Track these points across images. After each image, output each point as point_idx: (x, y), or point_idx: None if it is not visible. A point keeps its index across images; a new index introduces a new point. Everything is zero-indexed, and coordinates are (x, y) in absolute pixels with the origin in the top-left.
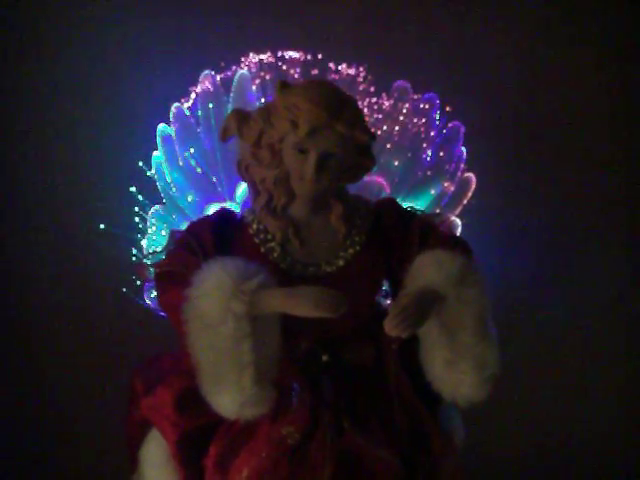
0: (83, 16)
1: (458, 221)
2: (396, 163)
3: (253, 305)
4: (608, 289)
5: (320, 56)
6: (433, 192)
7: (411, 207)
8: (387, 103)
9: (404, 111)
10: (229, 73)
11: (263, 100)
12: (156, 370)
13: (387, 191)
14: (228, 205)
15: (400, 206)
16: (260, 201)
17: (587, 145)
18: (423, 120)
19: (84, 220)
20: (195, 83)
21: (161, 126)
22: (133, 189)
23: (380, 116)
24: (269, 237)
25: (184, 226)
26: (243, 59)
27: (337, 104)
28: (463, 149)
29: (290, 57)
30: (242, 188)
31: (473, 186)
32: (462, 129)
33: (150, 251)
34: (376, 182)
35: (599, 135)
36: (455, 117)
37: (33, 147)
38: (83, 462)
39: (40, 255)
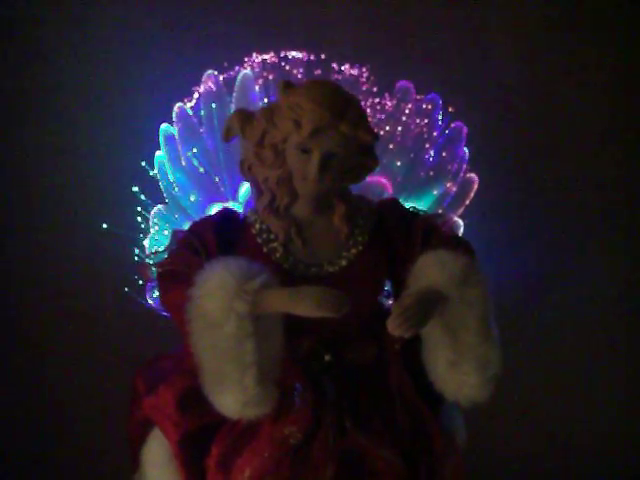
0: (84, 15)
1: (460, 221)
2: (398, 163)
3: (256, 305)
4: (609, 289)
5: (323, 56)
6: (435, 192)
7: (413, 207)
8: (390, 103)
9: (407, 111)
10: (232, 73)
11: (266, 100)
12: (158, 370)
13: (389, 191)
14: (231, 205)
15: (403, 206)
16: (263, 201)
17: (589, 145)
18: (426, 120)
19: (86, 220)
20: (198, 83)
21: (164, 126)
22: (135, 189)
23: (383, 116)
24: (272, 237)
25: (186, 226)
26: (246, 59)
27: (340, 104)
28: (465, 150)
29: (293, 57)
30: (245, 188)
31: (475, 187)
32: (465, 130)
33: (152, 251)
34: (379, 182)
35: (600, 135)
36: (458, 118)
37: (34, 147)
38: (84, 462)
39: (42, 255)
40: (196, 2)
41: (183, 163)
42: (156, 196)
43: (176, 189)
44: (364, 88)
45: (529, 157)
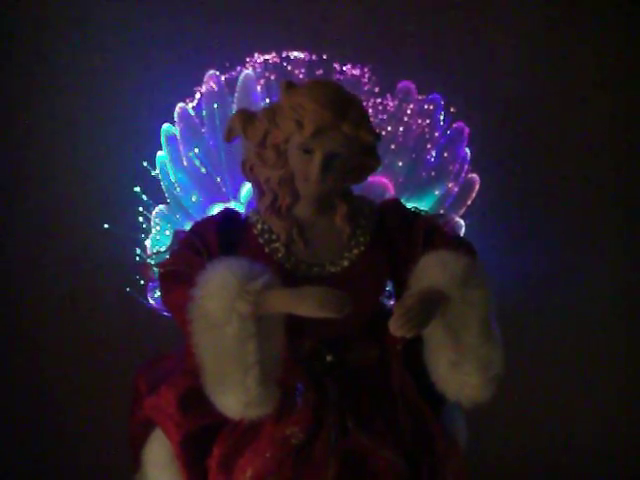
0: (85, 16)
1: (462, 222)
2: (400, 164)
3: (258, 305)
4: (610, 289)
5: (325, 56)
6: (437, 193)
7: (415, 208)
8: (391, 104)
9: (408, 112)
10: (234, 73)
11: (268, 100)
12: (160, 370)
13: (391, 192)
14: (232, 205)
15: (404, 207)
16: (265, 201)
17: (590, 146)
18: (427, 121)
19: (88, 220)
20: (200, 83)
21: (165, 126)
22: (137, 189)
23: (384, 117)
24: (273, 237)
25: (188, 226)
26: (248, 59)
27: (342, 104)
28: (467, 150)
29: (295, 57)
30: (246, 188)
31: (477, 187)
32: (466, 130)
33: (154, 251)
34: (380, 183)
35: (601, 136)
36: (459, 118)
37: (36, 146)
38: (85, 462)
39: (43, 254)
40: (198, 2)
41: (185, 163)
42: (158, 196)
43: (178, 189)
44: (366, 88)
45: (530, 157)
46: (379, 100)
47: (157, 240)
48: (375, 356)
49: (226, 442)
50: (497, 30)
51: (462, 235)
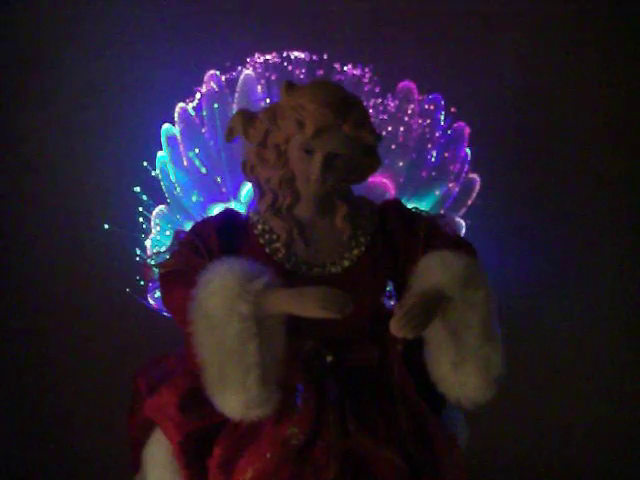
0: (85, 16)
1: (462, 222)
2: (401, 164)
3: (259, 306)
4: (611, 290)
5: (326, 56)
6: (437, 193)
7: (416, 208)
8: (392, 104)
9: (409, 112)
10: (234, 73)
11: (268, 100)
12: (160, 370)
13: (392, 192)
14: (233, 205)
15: (405, 207)
16: (265, 202)
17: (591, 146)
18: (428, 121)
19: (88, 220)
20: (200, 83)
21: (166, 126)
22: (137, 189)
23: (385, 117)
24: (274, 237)
25: (188, 226)
26: (248, 59)
27: (343, 104)
28: (467, 150)
29: (295, 57)
30: (247, 188)
31: (477, 187)
32: (467, 130)
33: (154, 251)
34: (381, 183)
35: (602, 136)
36: (460, 118)
37: (36, 146)
38: (85, 462)
39: (43, 255)
40: (198, 2)
41: (185, 163)
42: (158, 196)
43: (178, 189)
44: (366, 88)
45: (531, 158)
46: (379, 100)
47: (157, 240)
48: (376, 356)
49: (226, 443)
50: (498, 30)
51: (463, 235)
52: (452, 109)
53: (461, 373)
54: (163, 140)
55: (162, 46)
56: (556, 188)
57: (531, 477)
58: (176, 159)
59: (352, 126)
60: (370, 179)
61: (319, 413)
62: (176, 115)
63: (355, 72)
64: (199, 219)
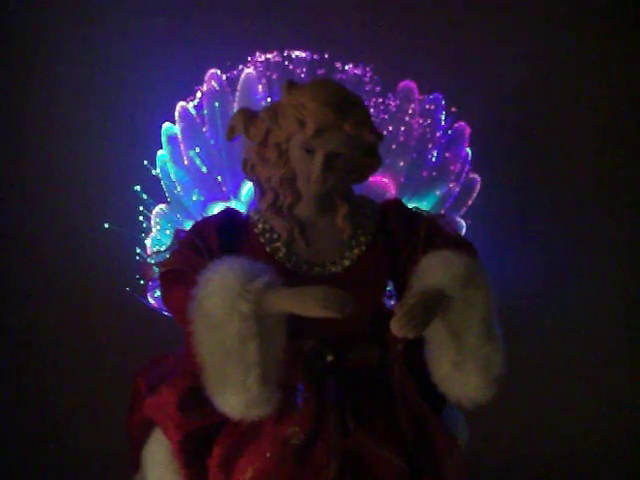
0: (86, 15)
1: (463, 222)
2: (401, 164)
3: (259, 305)
4: (612, 290)
5: (327, 56)
6: (438, 193)
7: (416, 208)
8: (393, 103)
9: (410, 112)
10: (235, 72)
11: (269, 99)
12: (160, 370)
13: (392, 191)
14: (233, 205)
15: (405, 207)
16: (266, 201)
17: (592, 146)
18: (429, 121)
19: (88, 219)
20: (201, 82)
21: (166, 125)
22: (138, 188)
23: (386, 116)
24: (275, 237)
25: (189, 225)
26: (249, 58)
27: (344, 104)
28: (468, 150)
29: (297, 56)
30: (247, 187)
31: (478, 187)
32: (467, 130)
33: (154, 250)
34: (381, 182)
35: (605, 136)
36: (460, 118)
37: (36, 145)
38: (84, 462)
39: (44, 254)
40: (199, 1)
41: (185, 162)
42: (158, 195)
43: (178, 188)
44: (367, 88)
45: (531, 158)
46: (380, 100)
47: (157, 239)
48: (376, 356)
49: (226, 442)
50: (499, 30)
51: (463, 235)
52: (453, 109)
53: (461, 373)
54: (164, 139)
55: (163, 45)
56: (556, 188)
57: (531, 477)
58: (177, 158)
59: (353, 125)
60: (371, 179)
61: (319, 413)
62: (177, 114)
63: (356, 71)
64: (199, 218)
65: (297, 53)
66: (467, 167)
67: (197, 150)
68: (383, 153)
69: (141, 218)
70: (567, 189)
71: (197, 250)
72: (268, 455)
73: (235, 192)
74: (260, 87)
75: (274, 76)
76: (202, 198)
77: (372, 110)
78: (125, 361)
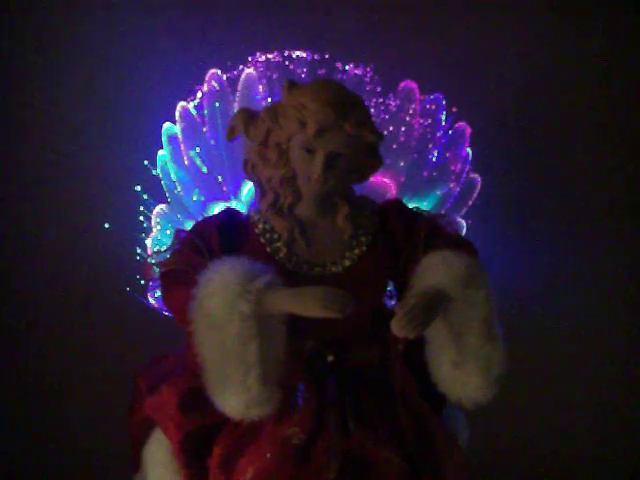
0: (86, 14)
1: (463, 222)
2: (402, 164)
3: (260, 305)
4: (612, 290)
5: (327, 56)
6: (439, 193)
7: (417, 207)
8: (393, 103)
9: (410, 112)
10: (236, 72)
11: (270, 99)
12: (160, 370)
13: (393, 191)
14: (233, 205)
15: (406, 207)
16: (266, 201)
17: (592, 147)
18: (429, 121)
19: (88, 219)
20: (201, 82)
21: (167, 125)
22: (138, 188)
23: (386, 116)
24: (275, 237)
25: (189, 225)
26: (250, 58)
27: (345, 104)
28: (469, 150)
29: (297, 56)
30: (248, 187)
31: (478, 187)
32: (468, 130)
33: (155, 250)
34: (382, 182)
35: (604, 136)
36: (461, 118)
37: (36, 146)
38: (85, 461)
39: (44, 254)
40: (199, 1)
41: (186, 162)
42: (159, 195)
43: (179, 188)
44: (368, 88)
45: (532, 158)
46: (381, 100)
47: (158, 239)
48: (376, 356)
49: (226, 442)
50: (499, 30)
51: (464, 235)
52: (453, 109)
53: (462, 373)
54: (164, 139)
55: (163, 45)
56: (557, 188)
57: (531, 477)
58: (177, 158)
59: (354, 125)
60: (371, 179)
61: (320, 413)
62: (177, 114)
63: (357, 71)
64: (200, 218)
65: (298, 53)
66: (468, 167)
67: (197, 150)
68: (384, 153)
69: (141, 218)
70: (567, 189)
71: (197, 250)
72: (268, 455)
73: (235, 192)
74: (261, 87)
75: (275, 76)
76: (202, 198)
77: (373, 110)
78: (125, 361)
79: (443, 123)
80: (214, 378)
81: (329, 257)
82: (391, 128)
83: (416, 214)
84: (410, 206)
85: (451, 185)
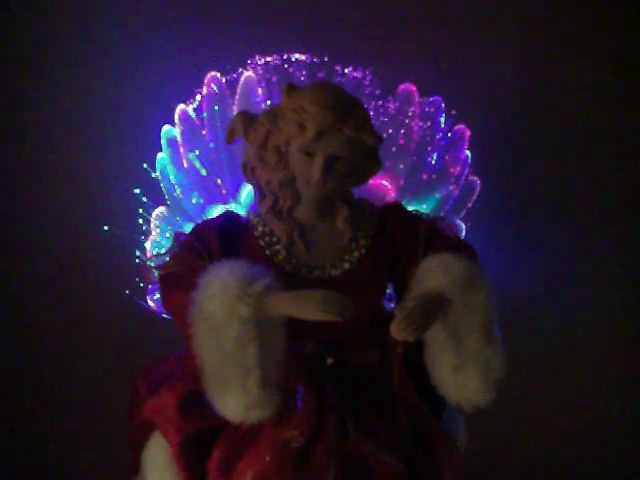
0: (86, 17)
1: (462, 225)
2: (401, 166)
3: (259, 308)
4: (611, 292)
5: (326, 59)
6: (438, 195)
7: (416, 210)
8: (393, 106)
9: (409, 114)
10: (235, 75)
11: (269, 102)
12: (159, 372)
13: (392, 194)
14: (233, 207)
15: (405, 209)
16: (266, 204)
17: (591, 148)
18: (428, 123)
19: (88, 221)
20: (201, 85)
21: (166, 128)
22: (137, 191)
23: (386, 119)
24: (274, 240)
25: (188, 228)
26: (249, 61)
27: (344, 107)
28: (468, 153)
29: (296, 59)
30: (247, 190)
31: (477, 190)
32: (467, 132)
33: (154, 253)
34: (381, 185)
35: (602, 138)
36: (460, 120)
37: (36, 148)
38: (85, 463)
39: (43, 256)
40: (199, 4)
41: (185, 165)
42: (158, 198)
43: (178, 191)
44: (367, 91)
45: (531, 160)
46: (380, 102)
47: (157, 242)
48: (376, 359)
49: (226, 445)
50: (498, 33)
51: (463, 238)
52: (452, 111)
53: (461, 376)
54: (163, 141)
55: (162, 48)
56: (556, 190)
57: (531, 477)
58: (176, 161)
59: (353, 128)
60: (370, 181)
61: (319, 415)
62: (176, 116)
63: (356, 74)
64: (199, 221)
65: (297, 56)
66: (467, 169)
67: (197, 153)
68: (383, 156)
69: (141, 221)
70: (567, 191)
71: (197, 253)
72: (268, 458)
73: (235, 195)
74: (260, 90)
75: (274, 79)
76: (202, 201)
77: (372, 113)
78: (124, 363)
79: (442, 126)
80: (213, 381)
81: (328, 260)
82: (390, 131)
83: (415, 217)
84: (409, 209)
85: (450, 188)
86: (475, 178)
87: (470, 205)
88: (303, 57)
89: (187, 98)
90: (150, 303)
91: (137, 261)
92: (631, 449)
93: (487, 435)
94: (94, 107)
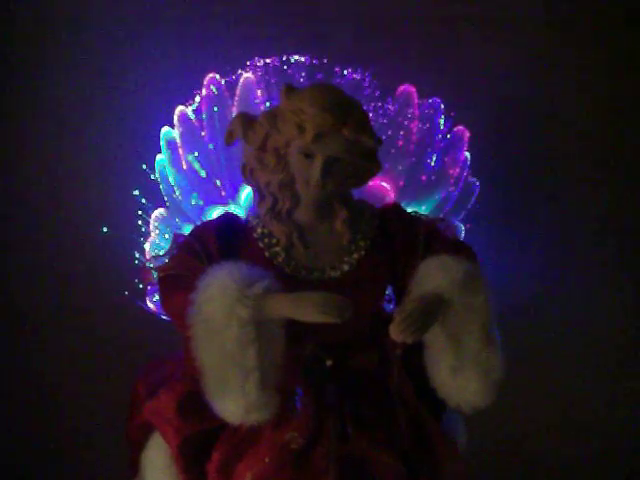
0: (85, 18)
1: (461, 226)
2: (400, 168)
3: (258, 310)
4: (611, 293)
5: (325, 60)
6: (437, 197)
7: (415, 212)
8: (392, 108)
9: (409, 116)
10: (234, 76)
11: (268, 104)
12: (159, 374)
13: (391, 196)
14: (232, 209)
15: (404, 211)
16: (265, 205)
17: (591, 151)
18: (427, 125)
19: (87, 223)
20: (200, 86)
21: (165, 129)
22: (136, 192)
23: (385, 121)
24: (274, 241)
25: (188, 230)
26: (248, 63)
27: (343, 108)
28: (467, 154)
29: (296, 61)
30: (246, 192)
31: (477, 191)
32: (466, 134)
33: (153, 255)
34: (380, 187)
35: (602, 139)
36: (459, 122)
37: (35, 149)
38: (84, 465)
39: (42, 258)
40: (198, 5)
41: (184, 167)
42: (157, 200)
43: (177, 193)
44: (366, 92)
45: (531, 162)
46: (379, 104)
47: (156, 244)
48: (375, 361)
49: (225, 447)
50: (498, 34)
51: (462, 239)
52: (452, 113)
53: (461, 378)
54: (162, 143)
55: (162, 49)
56: (555, 192)
57: (531, 477)
58: (175, 162)
59: (352, 130)
60: (370, 183)
61: (318, 417)
62: (175, 118)
63: (355, 76)
64: (198, 222)
65: (296, 58)
66: (466, 171)
67: (196, 154)
68: (382, 157)
69: (140, 222)
70: (566, 193)
71: (196, 254)
72: (267, 460)
73: (234, 196)
74: (259, 92)
75: (273, 81)
76: (201, 202)
77: (371, 114)
78: (124, 365)
79: (442, 127)
80: (213, 383)
81: (328, 262)
82: (389, 132)
83: (415, 218)
84: (409, 210)
85: (450, 189)
86: (474, 180)
87: (469, 207)
88: (302, 58)
89: (186, 99)
90: (149, 304)
91: (136, 263)
92: (631, 449)
93: (487, 435)
94: (94, 108)
